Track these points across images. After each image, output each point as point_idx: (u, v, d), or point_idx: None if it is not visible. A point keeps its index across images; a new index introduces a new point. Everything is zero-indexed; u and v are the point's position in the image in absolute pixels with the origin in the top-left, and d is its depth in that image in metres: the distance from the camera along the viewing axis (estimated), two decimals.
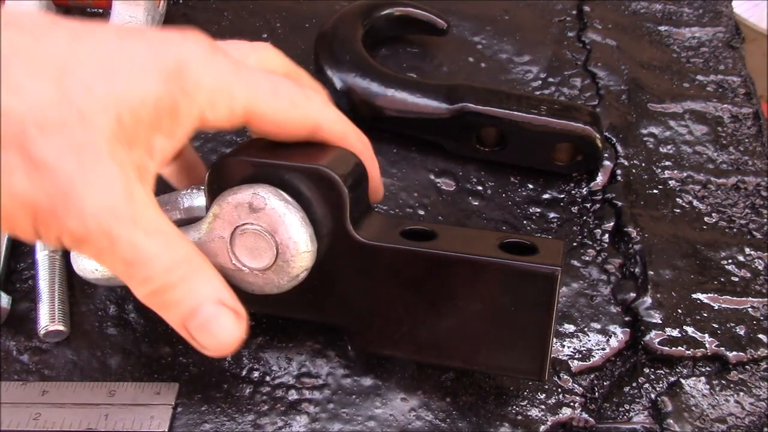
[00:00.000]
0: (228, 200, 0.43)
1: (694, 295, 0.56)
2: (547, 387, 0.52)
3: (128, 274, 0.40)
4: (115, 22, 0.63)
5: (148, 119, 0.39)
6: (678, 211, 0.61)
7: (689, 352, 0.53)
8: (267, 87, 0.43)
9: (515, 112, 0.58)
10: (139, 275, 0.40)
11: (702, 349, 0.53)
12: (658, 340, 0.53)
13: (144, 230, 0.38)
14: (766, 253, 0.58)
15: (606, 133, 0.63)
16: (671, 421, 0.51)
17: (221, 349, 0.41)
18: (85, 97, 0.37)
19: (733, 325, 0.55)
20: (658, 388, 0.52)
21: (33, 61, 0.37)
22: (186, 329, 0.41)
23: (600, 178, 0.62)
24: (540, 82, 0.68)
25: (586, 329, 0.55)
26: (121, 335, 0.53)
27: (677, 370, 0.53)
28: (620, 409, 0.52)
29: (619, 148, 0.63)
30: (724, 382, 0.53)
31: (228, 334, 0.40)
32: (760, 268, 0.57)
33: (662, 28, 0.73)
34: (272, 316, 0.53)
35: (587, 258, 0.58)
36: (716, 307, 0.55)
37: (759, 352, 0.53)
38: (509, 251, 0.45)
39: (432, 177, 0.62)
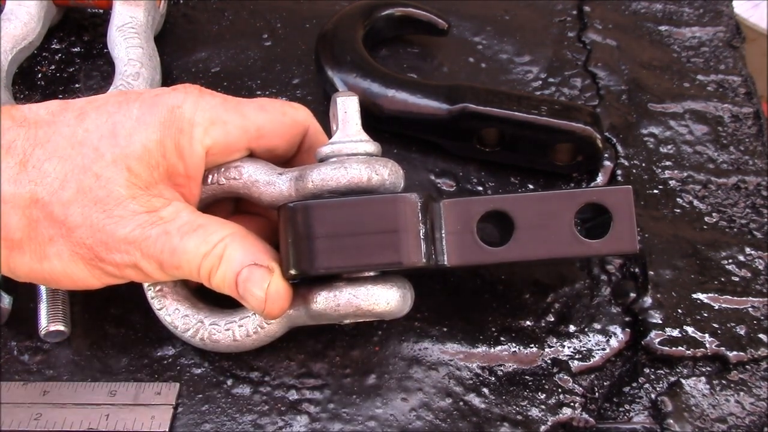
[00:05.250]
0: None
1: (694, 295, 0.56)
2: (547, 387, 0.52)
3: (185, 274, 0.46)
4: (116, 23, 0.63)
5: (155, 161, 0.46)
6: (678, 211, 0.61)
7: (689, 352, 0.53)
8: (254, 106, 0.50)
9: (516, 113, 0.58)
10: (190, 270, 0.46)
11: (702, 349, 0.53)
12: (658, 340, 0.53)
13: (180, 233, 0.45)
14: (766, 253, 0.58)
15: (606, 134, 0.63)
16: (671, 421, 0.51)
17: (260, 305, 0.46)
18: (97, 160, 0.45)
19: (733, 324, 0.55)
20: (658, 388, 0.52)
21: (48, 146, 0.45)
22: (240, 298, 0.46)
23: (600, 179, 0.62)
24: (540, 82, 0.68)
25: (586, 329, 0.55)
26: (122, 335, 0.54)
27: (677, 370, 0.53)
28: (620, 409, 0.52)
29: (619, 148, 0.63)
30: (724, 381, 0.53)
31: (259, 288, 0.45)
32: (760, 267, 0.57)
33: (662, 27, 0.72)
34: None
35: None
36: (716, 307, 0.55)
37: (759, 352, 0.53)
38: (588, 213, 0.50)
39: (432, 177, 0.62)
